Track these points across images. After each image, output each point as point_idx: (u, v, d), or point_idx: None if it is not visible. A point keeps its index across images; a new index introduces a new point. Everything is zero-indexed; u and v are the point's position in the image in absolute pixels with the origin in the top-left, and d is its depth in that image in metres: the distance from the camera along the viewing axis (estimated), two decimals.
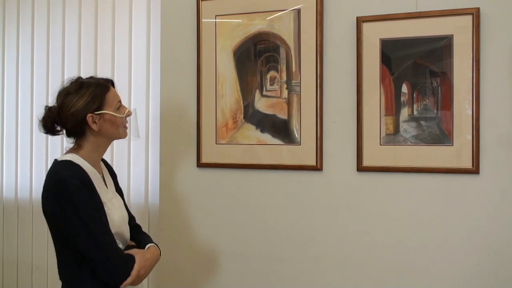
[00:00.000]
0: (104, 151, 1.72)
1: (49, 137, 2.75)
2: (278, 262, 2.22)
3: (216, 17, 2.28)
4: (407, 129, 2.02)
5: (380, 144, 2.06)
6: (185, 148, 2.35)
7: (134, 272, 1.58)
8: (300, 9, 2.16)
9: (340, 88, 2.12)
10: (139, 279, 1.61)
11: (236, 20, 2.25)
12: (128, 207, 1.85)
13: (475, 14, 1.92)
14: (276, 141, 2.20)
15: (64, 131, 1.65)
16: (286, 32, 2.18)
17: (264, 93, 2.22)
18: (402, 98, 2.03)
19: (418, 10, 2.01)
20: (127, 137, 1.75)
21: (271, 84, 2.21)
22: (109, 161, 1.92)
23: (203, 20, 2.30)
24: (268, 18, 2.20)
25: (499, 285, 1.94)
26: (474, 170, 1.94)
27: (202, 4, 2.29)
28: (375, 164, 2.06)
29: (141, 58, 2.64)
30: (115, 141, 2.05)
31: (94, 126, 1.60)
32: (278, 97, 2.20)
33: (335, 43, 2.13)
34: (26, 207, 2.93)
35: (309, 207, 2.17)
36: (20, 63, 2.93)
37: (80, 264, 1.56)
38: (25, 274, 2.94)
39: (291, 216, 2.20)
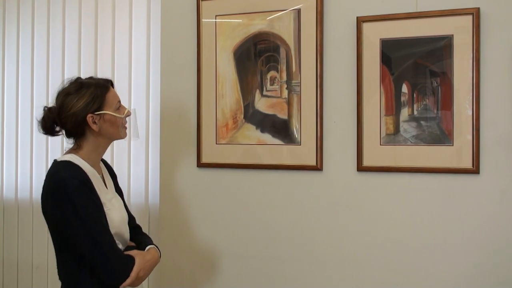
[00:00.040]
0: (104, 151, 1.71)
1: (49, 137, 2.75)
2: (278, 262, 2.22)
3: (216, 17, 2.28)
4: (407, 129, 2.02)
5: (380, 144, 2.06)
6: (185, 148, 2.35)
7: (133, 274, 1.57)
8: (300, 9, 2.16)
9: (340, 88, 2.12)
10: (138, 280, 1.61)
11: (236, 20, 2.25)
12: (128, 207, 1.85)
13: (475, 14, 1.92)
14: (276, 141, 2.20)
15: (64, 132, 1.65)
16: (286, 32, 2.18)
17: (264, 93, 2.22)
18: (402, 98, 2.03)
19: (418, 10, 2.01)
20: (126, 138, 1.75)
21: (271, 84, 2.21)
22: (109, 161, 1.92)
23: (203, 20, 2.30)
24: (268, 18, 2.20)
25: (499, 285, 1.94)
26: (474, 170, 1.94)
27: (202, 4, 2.29)
28: (375, 164, 2.06)
29: (141, 58, 2.64)
30: (115, 142, 2.05)
31: (94, 127, 1.60)
32: (278, 97, 2.20)
33: (335, 43, 2.13)
34: (26, 207, 2.93)
35: (309, 207, 2.17)
36: (20, 62, 2.93)
37: (79, 264, 1.56)
38: (25, 273, 2.94)
39: (291, 216, 2.20)
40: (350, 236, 2.11)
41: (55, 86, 1.67)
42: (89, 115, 1.59)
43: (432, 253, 2.01)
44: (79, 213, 1.50)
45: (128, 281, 1.57)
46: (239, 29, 2.25)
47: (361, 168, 2.08)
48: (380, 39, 2.05)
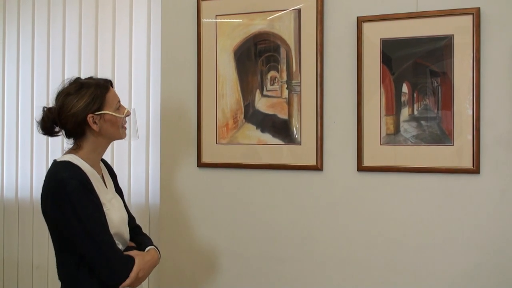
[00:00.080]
0: (104, 151, 1.71)
1: (49, 137, 2.75)
2: (278, 262, 2.22)
3: (217, 17, 2.28)
4: (408, 129, 2.02)
5: (381, 144, 2.06)
6: (186, 148, 2.35)
7: (133, 274, 1.57)
8: (300, 9, 2.16)
9: (341, 88, 2.12)
10: (138, 281, 1.61)
11: (237, 20, 2.25)
12: (129, 207, 1.85)
13: (476, 14, 1.92)
14: (277, 141, 2.20)
15: (63, 132, 1.65)
16: (286, 32, 2.18)
17: (265, 93, 2.22)
18: (403, 98, 2.03)
19: (419, 10, 2.01)
20: (126, 137, 1.75)
21: (272, 84, 2.21)
22: (109, 161, 1.92)
23: (203, 20, 2.30)
24: (268, 18, 2.20)
25: (499, 285, 1.94)
26: (475, 170, 1.94)
27: (203, 4, 2.29)
28: (376, 164, 2.06)
29: (142, 58, 2.64)
30: (115, 142, 2.05)
31: (94, 127, 1.60)
32: (278, 97, 2.20)
33: (335, 43, 2.13)
34: (26, 206, 2.93)
35: (309, 207, 2.17)
36: (20, 63, 2.93)
37: (79, 265, 1.56)
38: (25, 273, 2.94)
39: (292, 216, 2.20)
40: (350, 236, 2.11)
41: (56, 86, 1.67)
42: (90, 115, 1.59)
43: (432, 253, 2.01)
44: (78, 213, 1.50)
45: (128, 281, 1.57)
46: (239, 29, 2.25)
47: (361, 168, 2.08)
48: (380, 39, 2.05)
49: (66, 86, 1.63)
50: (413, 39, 2.01)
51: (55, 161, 1.62)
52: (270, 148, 2.21)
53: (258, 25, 2.22)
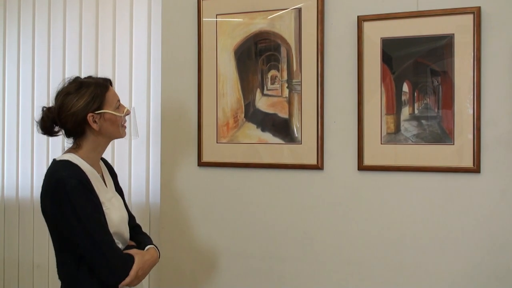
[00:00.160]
0: (103, 150, 1.71)
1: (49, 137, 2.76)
2: (279, 261, 2.22)
3: (217, 16, 2.28)
4: (408, 128, 2.02)
5: (381, 143, 2.06)
6: (186, 147, 2.35)
7: (132, 273, 1.58)
8: (301, 8, 2.15)
9: (341, 87, 2.12)
10: (137, 279, 1.61)
11: (237, 19, 2.25)
12: (129, 206, 1.85)
13: (476, 13, 1.92)
14: (277, 140, 2.20)
15: (63, 131, 1.64)
16: (287, 31, 2.18)
17: (265, 92, 2.22)
18: (403, 97, 2.03)
19: (419, 9, 2.01)
20: (126, 136, 1.75)
21: (272, 83, 2.21)
22: (109, 161, 1.92)
23: (204, 19, 2.30)
24: (269, 17, 2.20)
25: (499, 285, 1.93)
26: (475, 169, 1.93)
27: (203, 3, 2.29)
28: (376, 163, 2.06)
29: (142, 57, 2.64)
30: (116, 141, 2.04)
31: (94, 126, 1.60)
32: (279, 96, 2.20)
33: (336, 42, 2.12)
34: (27, 206, 2.93)
35: (309, 206, 2.17)
36: (21, 62, 2.93)
37: (79, 264, 1.56)
38: (26, 272, 2.94)
39: (292, 215, 2.19)
40: (351, 235, 2.11)
41: (56, 86, 1.67)
42: (90, 114, 1.59)
43: (432, 252, 2.01)
44: (77, 212, 1.50)
45: (127, 280, 1.57)
46: (239, 28, 2.25)
47: (361, 167, 2.08)
48: (381, 38, 2.04)
49: (65, 85, 1.63)
50: (413, 38, 2.00)
51: (54, 160, 1.62)
52: (271, 147, 2.21)
53: (259, 24, 2.22)
